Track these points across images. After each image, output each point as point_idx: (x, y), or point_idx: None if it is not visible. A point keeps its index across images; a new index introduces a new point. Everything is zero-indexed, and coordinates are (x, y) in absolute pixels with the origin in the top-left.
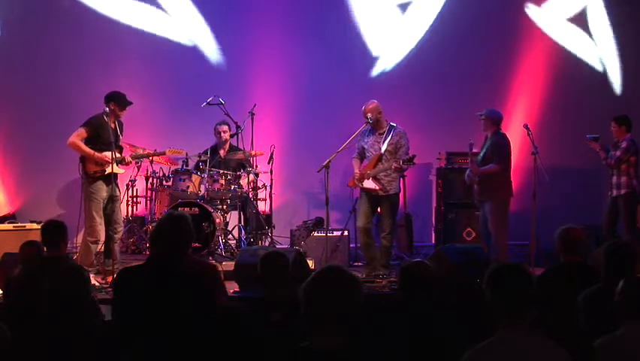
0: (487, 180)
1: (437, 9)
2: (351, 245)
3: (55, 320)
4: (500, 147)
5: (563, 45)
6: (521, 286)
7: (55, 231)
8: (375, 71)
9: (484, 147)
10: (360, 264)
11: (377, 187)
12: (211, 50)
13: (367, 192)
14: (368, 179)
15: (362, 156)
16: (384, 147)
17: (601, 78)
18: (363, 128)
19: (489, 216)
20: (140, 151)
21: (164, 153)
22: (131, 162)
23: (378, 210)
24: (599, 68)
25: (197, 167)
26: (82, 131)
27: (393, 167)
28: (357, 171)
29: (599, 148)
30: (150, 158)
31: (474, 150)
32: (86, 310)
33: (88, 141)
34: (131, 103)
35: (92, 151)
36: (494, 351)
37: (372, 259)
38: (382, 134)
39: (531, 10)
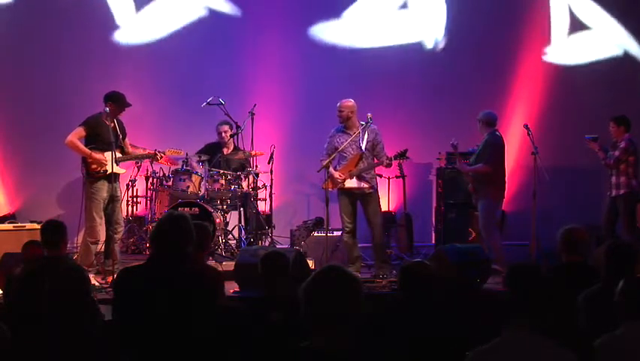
0: (481, 179)
1: (437, 9)
2: None
3: (55, 320)
4: (491, 147)
5: (564, 46)
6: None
7: (54, 231)
8: (375, 71)
9: (479, 146)
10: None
11: (365, 185)
12: (211, 50)
13: (347, 192)
14: (351, 178)
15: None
16: (364, 145)
17: (601, 78)
18: (363, 128)
19: (479, 214)
20: (141, 151)
21: (163, 153)
22: (163, 157)
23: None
24: (600, 68)
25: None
26: (80, 130)
27: (384, 163)
28: (335, 172)
29: (598, 148)
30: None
31: (460, 150)
32: (86, 311)
33: (87, 141)
34: (129, 104)
35: (88, 151)
36: (503, 352)
37: (356, 258)
38: (358, 134)
39: (532, 9)
